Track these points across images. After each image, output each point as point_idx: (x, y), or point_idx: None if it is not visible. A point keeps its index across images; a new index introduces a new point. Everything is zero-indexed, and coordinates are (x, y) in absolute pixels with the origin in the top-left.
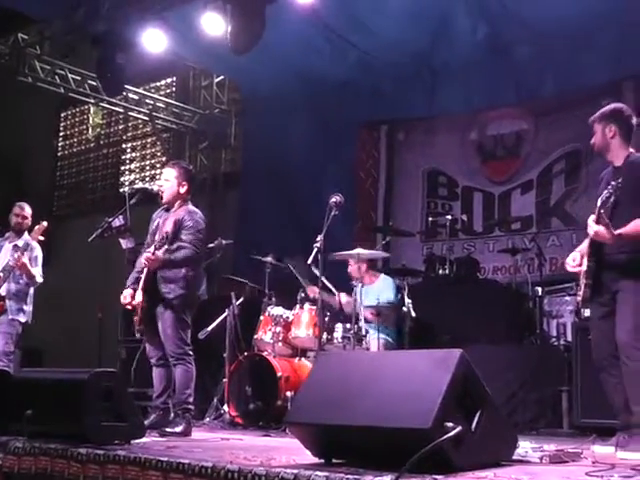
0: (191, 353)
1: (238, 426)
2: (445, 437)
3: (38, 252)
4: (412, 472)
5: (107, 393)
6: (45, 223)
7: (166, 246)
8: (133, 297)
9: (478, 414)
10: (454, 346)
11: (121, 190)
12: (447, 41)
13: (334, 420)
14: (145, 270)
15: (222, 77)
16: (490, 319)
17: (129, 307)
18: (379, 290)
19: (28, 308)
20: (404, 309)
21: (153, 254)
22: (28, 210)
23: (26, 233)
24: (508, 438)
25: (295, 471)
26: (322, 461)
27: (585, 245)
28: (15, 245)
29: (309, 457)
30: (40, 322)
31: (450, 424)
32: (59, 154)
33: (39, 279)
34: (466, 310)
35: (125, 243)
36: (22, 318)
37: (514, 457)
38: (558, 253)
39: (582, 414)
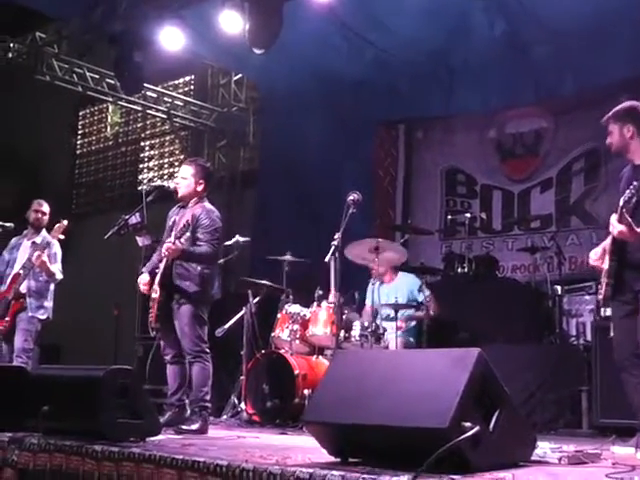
0: (208, 351)
1: (255, 424)
2: (462, 437)
3: (57, 249)
4: (429, 472)
5: (123, 390)
6: (65, 222)
7: (188, 234)
8: (151, 282)
9: (496, 414)
10: (473, 345)
11: (139, 188)
12: (465, 39)
13: (351, 419)
14: (163, 262)
15: (240, 75)
16: (509, 318)
17: (145, 290)
18: (398, 288)
19: (49, 304)
20: (425, 303)
21: (173, 243)
22: (46, 207)
23: (44, 230)
24: (527, 438)
25: (310, 470)
26: (338, 460)
27: (608, 242)
28: (33, 242)
29: (325, 456)
30: (58, 319)
31: (468, 424)
32: (78, 152)
33: (59, 276)
34: (485, 309)
35: (142, 240)
36: (42, 315)
37: (533, 458)
38: (577, 252)
39: (602, 414)
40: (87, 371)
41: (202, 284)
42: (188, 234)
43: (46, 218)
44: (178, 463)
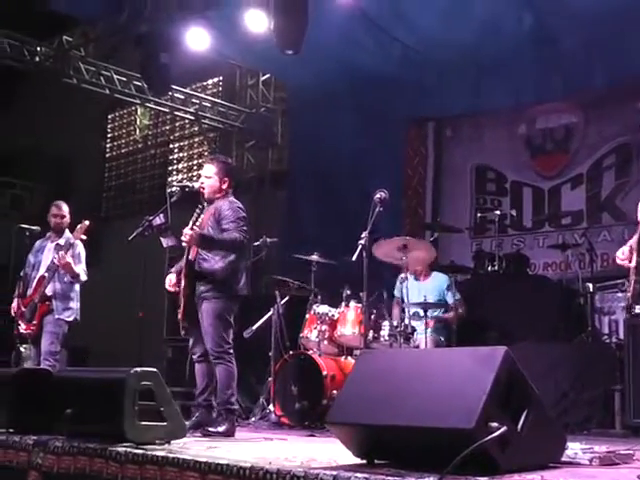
0: (231, 351)
1: (284, 426)
2: (489, 437)
3: (81, 249)
4: (455, 474)
5: (146, 392)
6: (87, 222)
7: (202, 217)
8: (178, 282)
9: (524, 414)
10: (503, 344)
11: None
12: (492, 34)
13: (375, 420)
14: (185, 256)
15: (268, 76)
16: (540, 316)
17: (173, 290)
18: (429, 288)
19: (75, 305)
20: (453, 305)
21: (192, 229)
22: (65, 208)
23: (67, 231)
24: (556, 439)
25: (334, 473)
26: (364, 462)
27: (635, 239)
28: (57, 244)
29: (351, 458)
30: (86, 322)
31: (495, 424)
32: (107, 156)
33: (83, 277)
34: (516, 307)
35: (166, 242)
36: (68, 317)
37: (563, 459)
38: (609, 248)
39: (635, 414)
40: (111, 373)
41: (226, 278)
42: (207, 226)
43: (66, 220)
44: (201, 466)
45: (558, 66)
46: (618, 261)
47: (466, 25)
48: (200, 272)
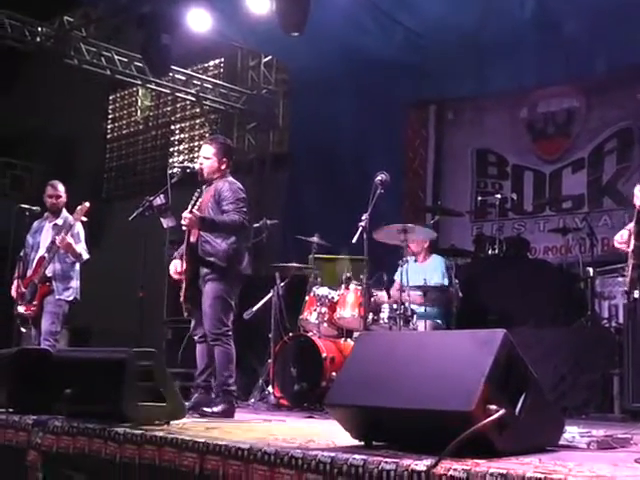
0: (229, 333)
1: (283, 407)
2: (487, 420)
3: (79, 228)
4: (453, 456)
5: (146, 373)
6: (87, 204)
7: (200, 200)
8: (181, 267)
9: (522, 397)
10: (503, 327)
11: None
12: (494, 18)
13: (374, 402)
14: (186, 238)
15: (270, 57)
16: (540, 300)
17: (178, 277)
18: (429, 270)
19: (75, 284)
20: (451, 290)
21: (191, 212)
22: (61, 188)
23: (64, 211)
24: (554, 423)
25: (332, 454)
26: (362, 444)
27: (633, 223)
28: (55, 224)
29: (349, 440)
30: (88, 302)
31: (493, 407)
32: (108, 137)
33: (85, 255)
34: (516, 291)
35: (166, 222)
36: (69, 297)
37: (560, 442)
38: (610, 233)
39: (634, 398)
40: (110, 353)
41: (228, 260)
42: (207, 208)
43: (62, 200)
44: (200, 446)
45: (560, 50)
46: (616, 244)
47: (468, 8)
48: (203, 254)
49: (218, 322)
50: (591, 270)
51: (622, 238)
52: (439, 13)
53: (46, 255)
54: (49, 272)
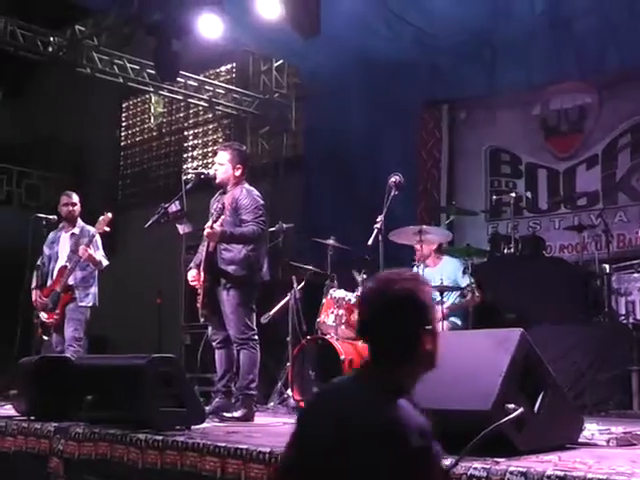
0: (256, 338)
1: None
2: (506, 419)
3: (96, 236)
4: (473, 455)
5: (166, 379)
6: (110, 214)
7: (223, 217)
8: (199, 276)
9: (541, 396)
10: (520, 326)
11: (184, 177)
12: (506, 16)
13: None
14: (204, 248)
15: (281, 61)
16: (557, 298)
17: (195, 285)
18: (442, 272)
19: (94, 290)
20: (468, 289)
21: (211, 227)
22: (75, 197)
23: (79, 220)
24: (573, 420)
25: None
26: None
27: None
28: (72, 234)
29: None
30: (104, 310)
31: (511, 405)
32: (122, 144)
33: (105, 262)
34: (532, 289)
35: (182, 229)
36: (89, 303)
37: (580, 440)
38: (626, 229)
39: None
40: (129, 360)
41: (248, 267)
42: (226, 217)
43: (77, 208)
44: (221, 451)
45: (572, 47)
46: None
47: (479, 7)
48: (223, 262)
49: (244, 327)
50: (607, 267)
51: None
52: (450, 13)
53: (68, 265)
54: (71, 280)
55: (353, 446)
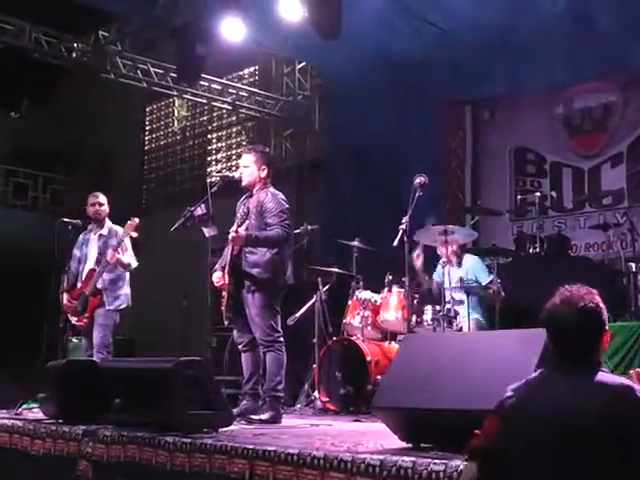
0: (281, 340)
1: (329, 412)
2: None
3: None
4: None
5: (193, 381)
6: (137, 219)
7: (248, 221)
8: (224, 278)
9: None
10: None
11: (208, 180)
12: (527, 14)
13: (421, 403)
14: (229, 250)
15: (304, 63)
16: None
17: (220, 287)
18: (465, 270)
19: (125, 292)
20: (493, 288)
21: (236, 231)
22: (102, 198)
23: (107, 220)
24: None
25: (381, 457)
26: (410, 445)
27: None
28: (100, 235)
29: (397, 442)
30: (132, 312)
31: None
32: (146, 148)
33: (135, 263)
34: (558, 288)
35: (208, 232)
36: (119, 306)
37: None
38: None
39: None
40: (157, 363)
41: (273, 270)
42: (251, 221)
43: (104, 208)
44: (249, 453)
45: (595, 45)
46: None
47: (500, 5)
48: (247, 265)
49: (269, 329)
50: (633, 265)
51: None
52: (471, 12)
53: (96, 268)
54: (99, 284)
55: (613, 424)
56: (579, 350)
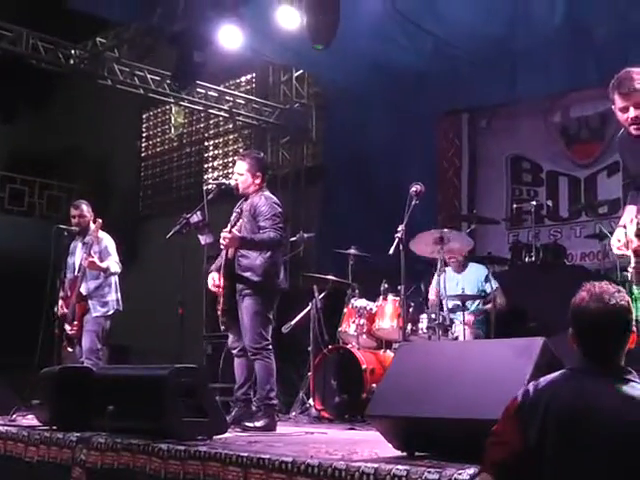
0: (270, 347)
1: (324, 420)
2: None
3: (107, 242)
4: None
5: (188, 389)
6: (100, 220)
7: (240, 222)
8: (219, 280)
9: None
10: (543, 335)
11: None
12: (525, 24)
13: (415, 412)
14: (223, 253)
15: (301, 71)
16: None
17: (216, 290)
18: (466, 279)
19: (112, 297)
20: (492, 296)
21: (229, 232)
22: (84, 207)
23: (91, 229)
24: None
25: (375, 465)
26: (404, 454)
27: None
28: (84, 243)
29: (392, 450)
30: (126, 320)
31: None
32: (143, 155)
33: (114, 268)
34: (554, 298)
35: (204, 239)
36: (107, 312)
37: None
38: None
39: None
40: (151, 370)
41: (265, 274)
42: (243, 223)
43: (86, 219)
44: (243, 460)
45: (592, 54)
46: (615, 250)
47: (498, 15)
48: (240, 269)
49: (258, 337)
50: (629, 274)
51: (619, 242)
52: (468, 21)
53: (78, 275)
54: (84, 291)
55: None
56: (606, 349)
